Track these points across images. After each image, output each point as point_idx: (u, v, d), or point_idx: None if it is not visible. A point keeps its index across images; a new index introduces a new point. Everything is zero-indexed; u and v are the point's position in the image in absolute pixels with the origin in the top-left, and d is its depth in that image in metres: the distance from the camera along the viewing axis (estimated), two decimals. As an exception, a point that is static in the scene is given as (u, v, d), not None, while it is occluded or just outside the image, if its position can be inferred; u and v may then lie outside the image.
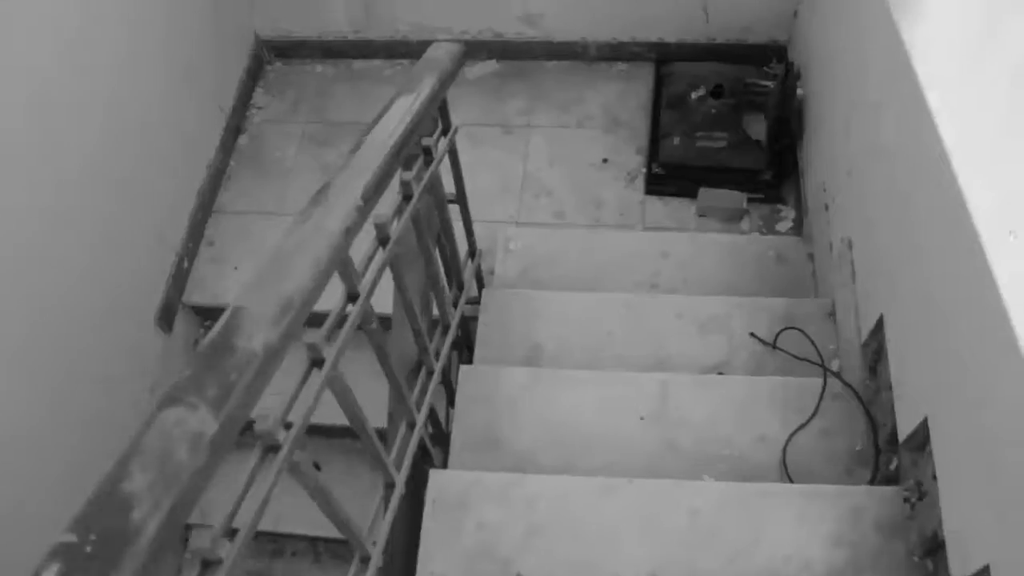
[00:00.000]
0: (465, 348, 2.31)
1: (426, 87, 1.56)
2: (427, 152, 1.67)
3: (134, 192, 2.52)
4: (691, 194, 2.76)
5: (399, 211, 1.53)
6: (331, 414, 1.29)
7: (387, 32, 3.13)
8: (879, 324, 1.85)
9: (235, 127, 3.08)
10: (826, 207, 2.32)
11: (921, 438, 1.62)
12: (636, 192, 2.81)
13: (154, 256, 2.67)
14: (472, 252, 2.24)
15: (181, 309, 2.78)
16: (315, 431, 1.24)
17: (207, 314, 2.88)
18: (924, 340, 1.59)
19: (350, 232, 1.13)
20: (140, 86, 2.53)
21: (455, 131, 1.85)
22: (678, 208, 2.77)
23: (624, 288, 2.42)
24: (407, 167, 1.64)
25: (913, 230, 1.63)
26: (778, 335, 2.16)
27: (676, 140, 2.76)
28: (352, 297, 1.26)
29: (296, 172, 3.00)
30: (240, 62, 3.14)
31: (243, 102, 3.14)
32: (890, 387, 1.80)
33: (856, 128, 2.08)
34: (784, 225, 2.71)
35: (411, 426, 1.71)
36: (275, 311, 0.89)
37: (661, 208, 2.77)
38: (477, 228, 2.48)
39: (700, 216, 2.74)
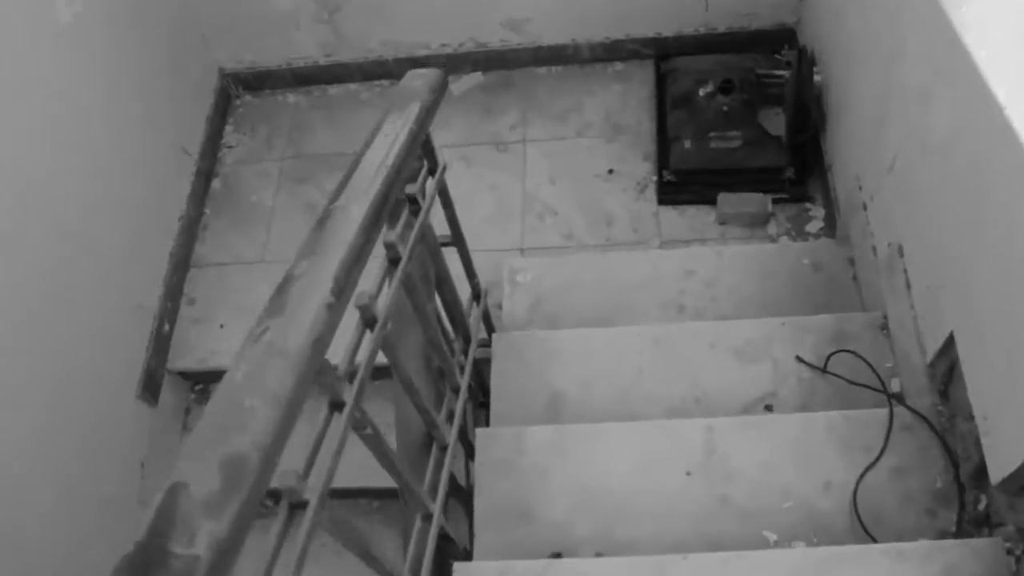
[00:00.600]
0: (480, 395, 2.08)
1: (404, 129, 1.32)
2: (413, 201, 1.43)
3: (102, 259, 2.29)
4: (709, 200, 2.51)
5: (387, 278, 1.29)
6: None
7: (360, 53, 2.89)
8: (949, 342, 1.61)
9: (206, 172, 2.84)
10: (864, 206, 2.08)
11: (1022, 479, 1.38)
12: (648, 203, 2.57)
13: (130, 324, 2.43)
14: (476, 295, 2.00)
15: (167, 377, 2.54)
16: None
17: (197, 377, 2.65)
18: (1015, 363, 1.35)
19: (320, 342, 0.89)
20: (94, 144, 2.29)
21: (443, 169, 1.61)
22: (696, 217, 2.52)
23: (648, 315, 2.18)
24: (391, 222, 1.41)
25: (991, 235, 1.38)
26: (828, 358, 1.91)
27: (687, 143, 2.52)
28: (337, 406, 1.02)
29: (277, 214, 2.76)
30: (204, 100, 2.90)
31: (213, 143, 2.90)
32: (971, 416, 1.55)
33: (896, 119, 1.83)
34: (814, 225, 2.46)
35: (427, 519, 1.47)
36: (221, 487, 0.65)
37: (677, 219, 2.53)
38: (479, 259, 2.24)
39: (721, 224, 2.50)
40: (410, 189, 1.41)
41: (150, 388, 2.45)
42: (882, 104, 1.91)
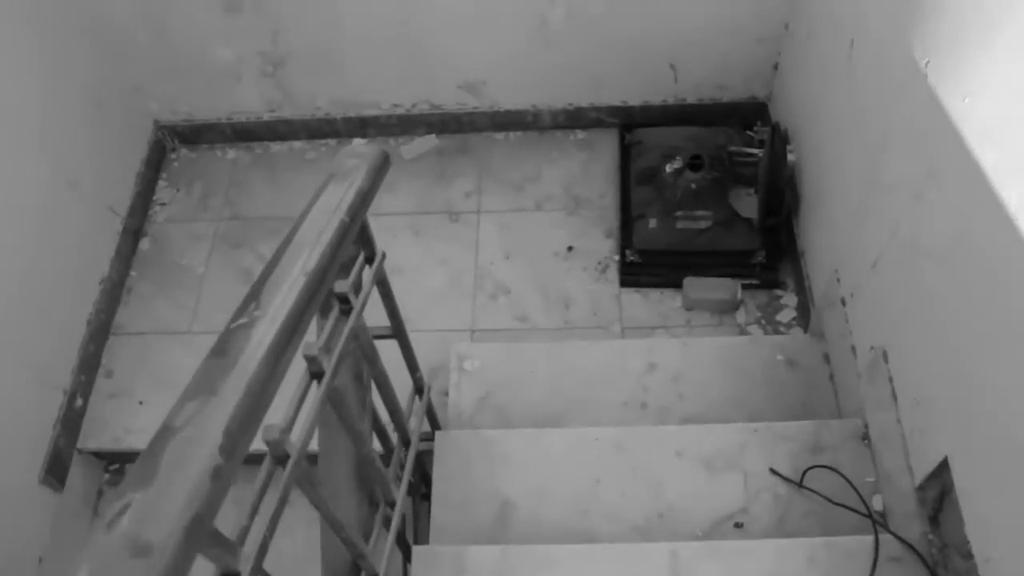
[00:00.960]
0: (423, 487, 1.88)
1: (333, 221, 1.12)
2: (344, 300, 1.23)
3: (6, 325, 2.05)
4: (675, 284, 2.35)
5: (304, 396, 1.09)
6: None
7: (306, 111, 2.70)
8: (943, 466, 1.44)
9: (134, 230, 2.61)
10: (843, 301, 1.93)
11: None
12: (610, 285, 2.39)
13: (36, 398, 2.18)
14: (419, 389, 1.80)
15: (76, 457, 2.28)
16: None
17: (111, 458, 2.39)
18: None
19: (199, 521, 0.68)
20: (4, 199, 2.06)
21: (382, 259, 1.41)
22: (660, 301, 2.35)
23: (607, 413, 1.99)
24: (323, 314, 1.21)
25: (1001, 351, 1.22)
26: (804, 473, 1.74)
27: (652, 222, 2.35)
28: (227, 581, 0.81)
29: (209, 280, 2.53)
30: (136, 153, 2.68)
31: (143, 200, 2.67)
32: (969, 554, 1.38)
33: (880, 212, 1.68)
34: (786, 315, 2.31)
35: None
36: None
37: (640, 303, 2.36)
38: (425, 340, 2.07)
39: (688, 310, 2.33)
40: (340, 287, 1.21)
41: (56, 471, 2.19)
42: (864, 194, 1.76)
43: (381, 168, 1.34)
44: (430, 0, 2.32)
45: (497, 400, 2.03)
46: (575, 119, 2.69)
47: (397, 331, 1.60)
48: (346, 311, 1.25)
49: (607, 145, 2.68)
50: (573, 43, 2.43)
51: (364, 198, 1.24)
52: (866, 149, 1.76)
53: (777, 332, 2.28)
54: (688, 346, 2.10)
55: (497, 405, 2.03)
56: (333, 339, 1.17)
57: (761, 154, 2.27)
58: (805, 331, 2.26)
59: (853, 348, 1.86)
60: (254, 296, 0.95)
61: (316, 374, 1.10)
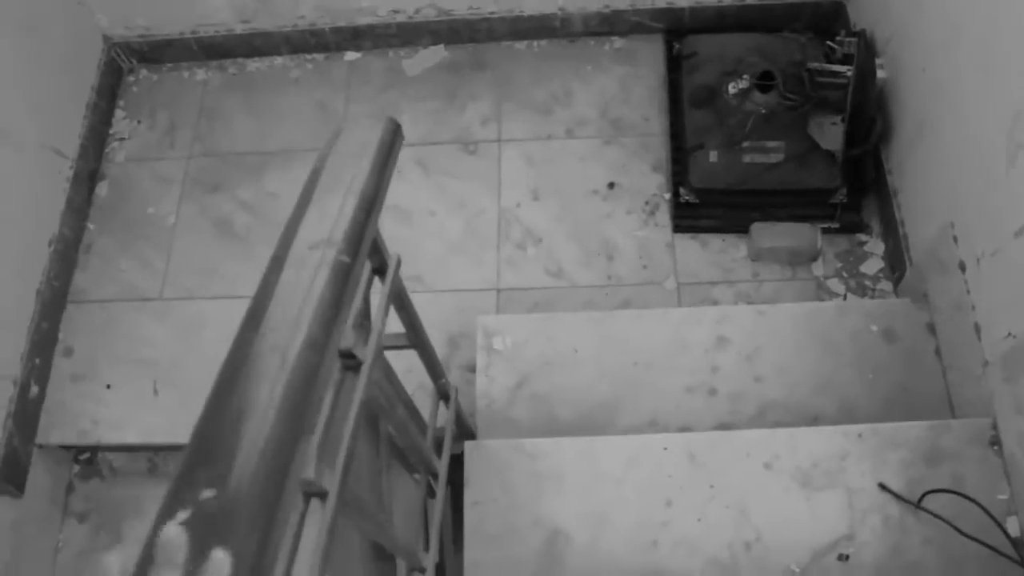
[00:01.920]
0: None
1: (321, 270, 0.74)
2: (348, 355, 0.86)
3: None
4: (739, 228, 1.96)
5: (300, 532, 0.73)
6: None
7: (288, 20, 2.23)
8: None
9: (88, 174, 2.20)
10: (962, 266, 1.55)
11: None
12: (660, 230, 2.01)
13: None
14: (444, 396, 1.44)
15: (37, 454, 1.95)
16: None
17: (81, 449, 2.06)
18: None
19: None
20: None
21: (398, 266, 1.03)
22: (722, 251, 1.97)
23: (669, 401, 1.65)
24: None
25: None
26: (924, 496, 1.40)
27: (712, 155, 1.94)
28: None
29: (180, 233, 2.14)
30: (85, 79, 2.23)
31: (97, 136, 2.25)
32: None
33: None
34: (871, 265, 1.93)
35: None
36: None
37: (698, 252, 1.98)
38: (441, 303, 1.73)
39: (754, 260, 1.95)
40: (346, 341, 0.83)
41: (12, 476, 1.87)
42: (1009, 130, 1.36)
43: (391, 149, 0.94)
44: None
45: (535, 387, 1.68)
46: (612, 24, 2.23)
47: (417, 342, 1.23)
48: (353, 366, 0.88)
49: (651, 56, 2.23)
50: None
51: (369, 210, 0.85)
52: (1010, 61, 1.34)
53: (862, 287, 1.91)
54: (764, 315, 1.73)
55: (535, 394, 1.68)
56: (335, 425, 0.80)
57: (848, 73, 1.84)
58: (895, 288, 1.89)
59: (977, 328, 1.50)
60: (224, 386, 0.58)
61: (311, 496, 0.74)
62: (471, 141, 2.17)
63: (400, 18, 2.22)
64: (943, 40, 1.62)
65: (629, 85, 2.20)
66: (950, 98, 1.60)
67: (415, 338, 1.21)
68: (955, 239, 1.58)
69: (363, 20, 2.23)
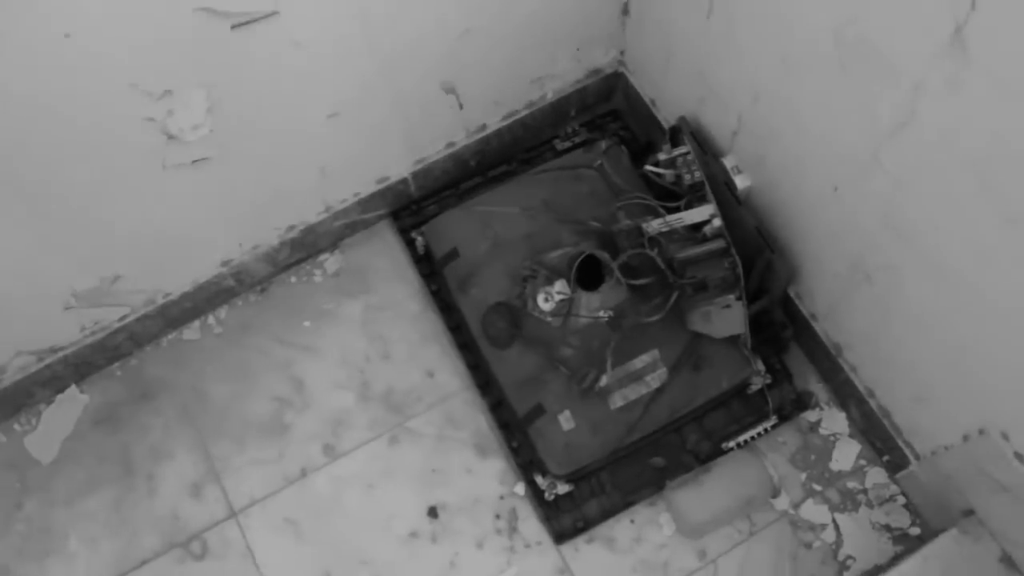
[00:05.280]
0: None
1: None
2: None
3: None
4: (648, 488, 1.24)
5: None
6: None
7: None
8: None
9: None
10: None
11: None
12: (540, 552, 1.24)
13: None
14: None
15: None
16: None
17: None
18: None
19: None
20: None
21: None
22: (639, 538, 1.25)
23: None
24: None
25: None
26: None
27: (563, 418, 1.19)
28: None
29: None
30: None
31: None
32: None
33: None
34: (844, 454, 1.28)
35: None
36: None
37: (608, 557, 1.24)
38: None
39: (693, 539, 1.24)
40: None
41: None
42: None
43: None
44: None
45: None
46: (308, 244, 1.40)
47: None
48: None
49: (389, 264, 1.43)
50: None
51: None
52: None
53: (851, 497, 1.25)
54: None
55: None
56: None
57: (715, 220, 1.12)
58: (890, 475, 1.25)
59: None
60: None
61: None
62: (191, 537, 1.29)
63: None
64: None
65: (380, 328, 1.39)
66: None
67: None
68: (1005, 436, 0.94)
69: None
